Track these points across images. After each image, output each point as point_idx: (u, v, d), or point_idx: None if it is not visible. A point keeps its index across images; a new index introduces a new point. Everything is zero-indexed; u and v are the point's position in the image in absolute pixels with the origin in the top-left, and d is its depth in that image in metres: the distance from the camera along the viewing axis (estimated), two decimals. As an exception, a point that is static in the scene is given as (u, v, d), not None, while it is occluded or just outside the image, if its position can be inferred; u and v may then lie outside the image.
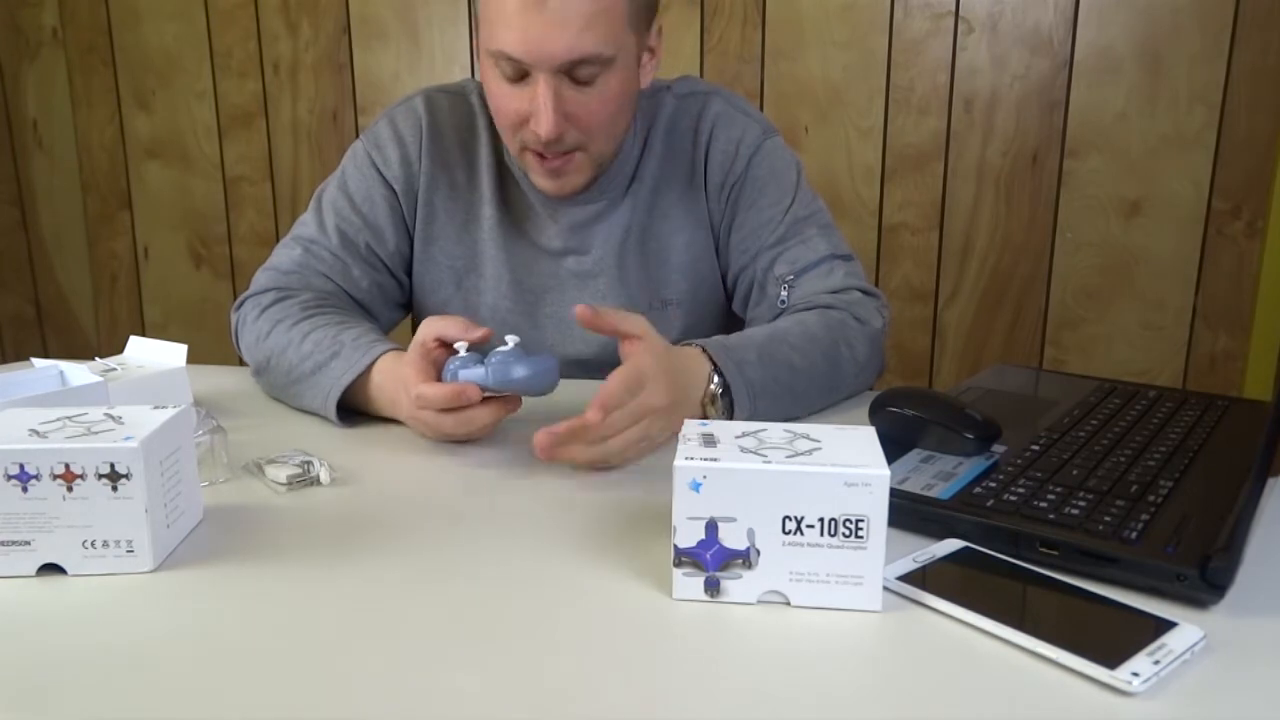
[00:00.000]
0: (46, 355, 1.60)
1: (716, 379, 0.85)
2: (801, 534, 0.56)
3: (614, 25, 0.91)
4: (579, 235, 1.07)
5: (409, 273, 1.10)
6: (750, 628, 0.56)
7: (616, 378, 0.76)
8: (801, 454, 0.58)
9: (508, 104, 0.95)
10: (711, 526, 0.57)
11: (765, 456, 0.57)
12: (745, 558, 0.57)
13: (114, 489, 0.60)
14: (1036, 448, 0.76)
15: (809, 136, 1.88)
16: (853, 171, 1.88)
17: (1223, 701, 0.49)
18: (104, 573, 0.62)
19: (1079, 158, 1.79)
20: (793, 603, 0.58)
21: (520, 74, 0.92)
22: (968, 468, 0.73)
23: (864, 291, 1.03)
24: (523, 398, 0.82)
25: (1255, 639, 0.54)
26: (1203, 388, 1.76)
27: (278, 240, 1.10)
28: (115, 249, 2.28)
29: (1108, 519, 0.63)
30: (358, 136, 1.12)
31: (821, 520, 0.56)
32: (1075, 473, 0.71)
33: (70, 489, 0.60)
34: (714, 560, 0.58)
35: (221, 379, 1.06)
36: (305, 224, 1.08)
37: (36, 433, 0.62)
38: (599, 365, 1.08)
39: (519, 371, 0.77)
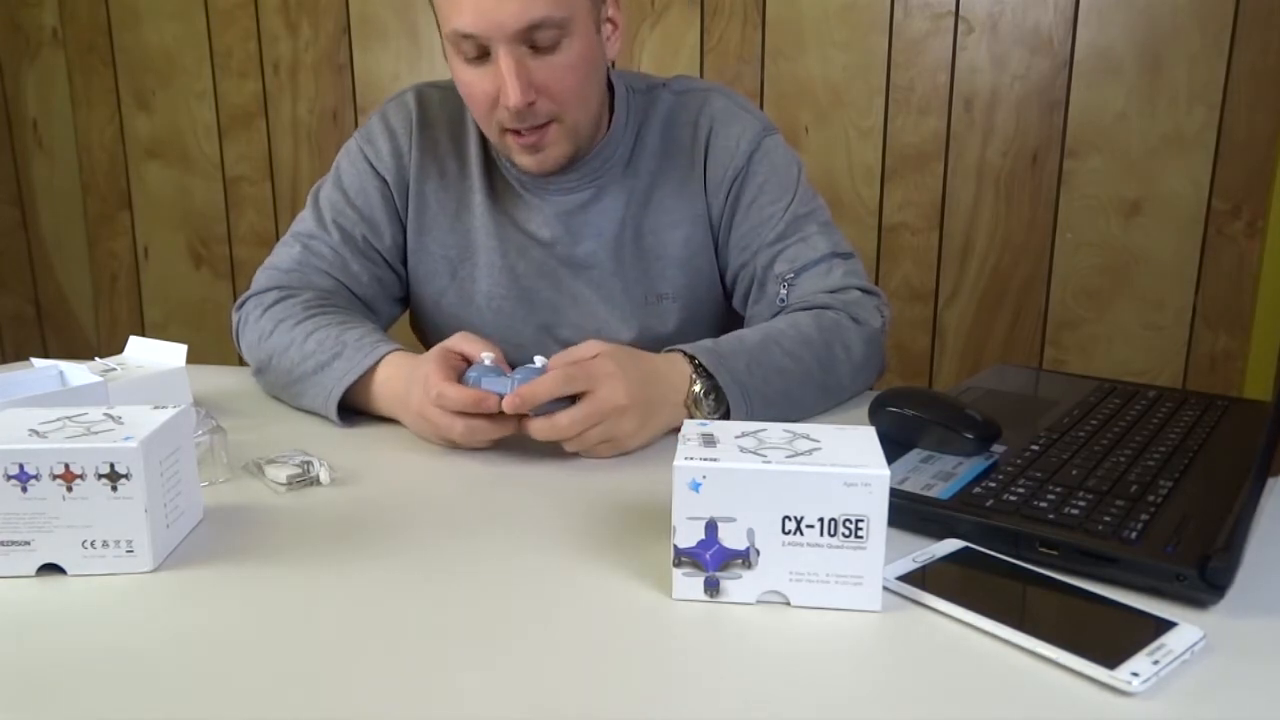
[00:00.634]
0: (46, 355, 1.60)
1: (701, 381, 0.85)
2: (801, 534, 0.56)
3: None
4: (567, 224, 1.06)
5: (405, 264, 1.11)
6: (750, 628, 0.56)
7: (554, 373, 0.78)
8: (801, 454, 0.58)
9: (476, 87, 0.95)
10: (711, 526, 0.57)
11: (765, 456, 0.57)
12: (745, 558, 0.57)
13: (114, 489, 0.60)
14: (1036, 448, 0.76)
15: (809, 136, 1.88)
16: (853, 171, 1.88)
17: (1223, 701, 0.49)
18: (104, 573, 0.62)
19: (1079, 158, 1.79)
20: (792, 603, 0.58)
21: (481, 51, 0.92)
22: (967, 468, 0.73)
23: (863, 290, 1.03)
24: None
25: (1255, 639, 0.54)
26: (1203, 388, 1.76)
27: (278, 240, 1.10)
28: (115, 249, 2.28)
29: (1107, 519, 0.63)
30: (352, 136, 1.12)
31: (821, 520, 0.56)
32: (1075, 473, 0.71)
33: (70, 489, 0.60)
34: (714, 560, 0.58)
35: (221, 379, 1.06)
36: (303, 221, 1.08)
37: (36, 433, 0.62)
38: None
39: None
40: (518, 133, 0.96)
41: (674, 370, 0.86)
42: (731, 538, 0.57)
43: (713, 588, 0.58)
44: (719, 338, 0.91)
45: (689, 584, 0.58)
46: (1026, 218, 1.84)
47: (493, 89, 0.93)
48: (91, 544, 0.61)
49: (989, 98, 1.80)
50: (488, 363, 0.81)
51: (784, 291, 1.02)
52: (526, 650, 0.54)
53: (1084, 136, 1.78)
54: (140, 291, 2.29)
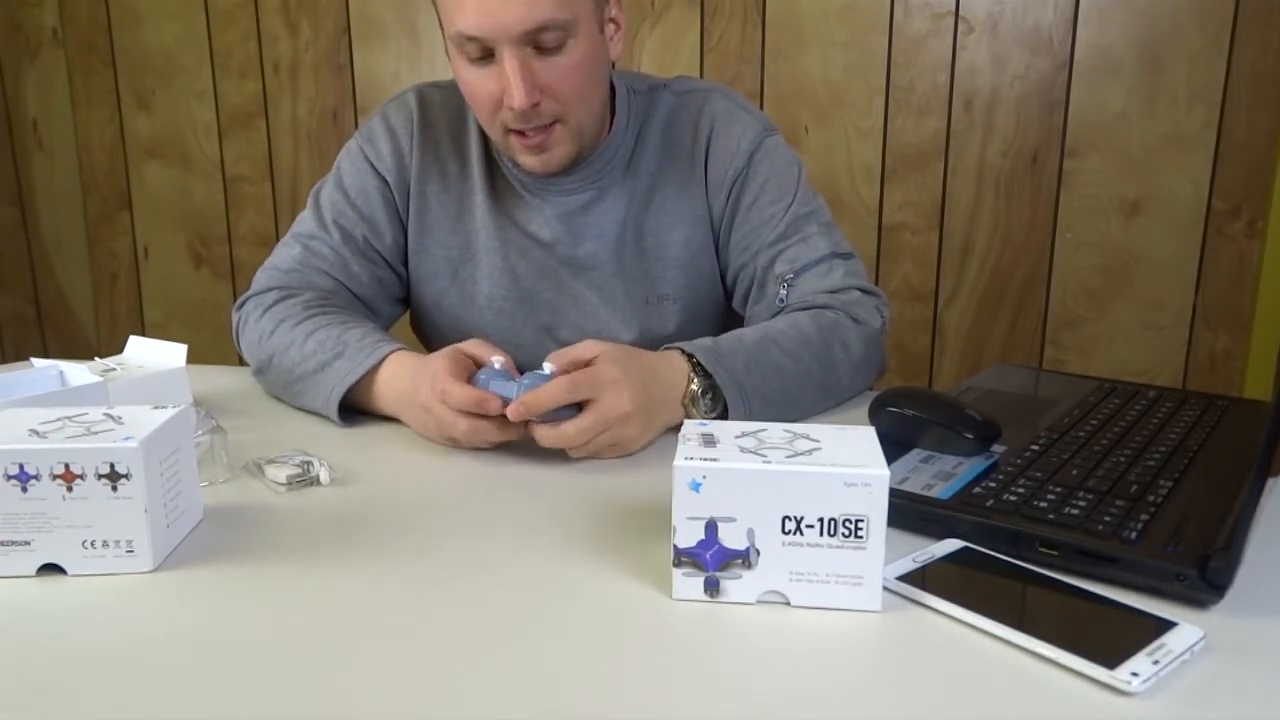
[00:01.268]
0: (46, 355, 1.60)
1: (698, 380, 0.85)
2: (801, 534, 0.56)
3: None
4: (568, 225, 1.06)
5: (406, 265, 1.11)
6: (750, 628, 0.56)
7: (558, 381, 0.78)
8: (801, 454, 0.58)
9: (480, 88, 0.95)
10: (711, 526, 0.57)
11: (765, 456, 0.57)
12: (745, 558, 0.57)
13: (114, 489, 0.60)
14: (1036, 448, 0.76)
15: (809, 136, 1.88)
16: (853, 171, 1.88)
17: (1223, 701, 0.49)
18: (104, 573, 0.62)
19: (1079, 158, 1.79)
20: (792, 603, 0.58)
21: (485, 53, 0.92)
22: (967, 468, 0.73)
23: (863, 290, 1.03)
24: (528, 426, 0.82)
25: (1255, 639, 0.54)
26: (1203, 388, 1.76)
27: (278, 240, 1.10)
28: (115, 249, 2.28)
29: (1107, 519, 0.63)
30: (354, 136, 1.12)
31: (821, 520, 0.56)
32: (1075, 473, 0.71)
33: (70, 489, 0.60)
34: (714, 560, 0.58)
35: (221, 379, 1.06)
36: (304, 221, 1.08)
37: (36, 433, 0.62)
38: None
39: None
40: (522, 133, 0.96)
41: (672, 369, 0.86)
42: (731, 538, 0.57)
43: (713, 588, 0.58)
44: (718, 336, 0.91)
45: (689, 584, 0.58)
46: (1026, 218, 1.84)
47: (497, 90, 0.93)
48: (91, 544, 0.61)
49: (989, 98, 1.80)
50: (497, 366, 0.81)
51: (784, 292, 1.02)
52: (526, 650, 0.54)
53: (1084, 136, 1.78)
54: (140, 291, 2.29)
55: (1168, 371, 1.83)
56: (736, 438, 0.61)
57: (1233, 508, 0.64)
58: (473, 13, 0.89)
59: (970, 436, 0.76)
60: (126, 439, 0.61)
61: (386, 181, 1.08)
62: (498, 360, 0.81)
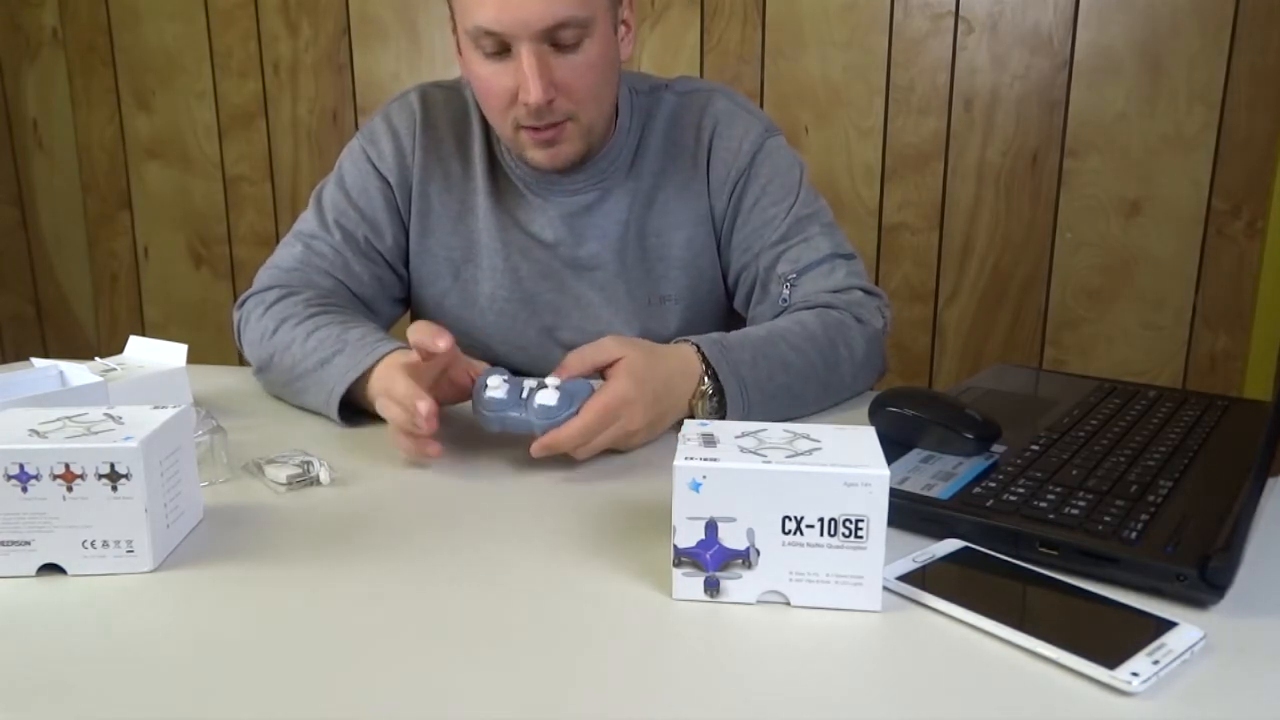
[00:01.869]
0: (46, 355, 1.60)
1: (707, 380, 0.85)
2: (801, 534, 0.56)
3: None
4: (571, 225, 1.06)
5: (407, 265, 1.11)
6: (750, 628, 0.56)
7: (592, 410, 0.77)
8: (801, 454, 0.58)
9: (494, 83, 0.94)
10: (711, 526, 0.57)
11: (765, 456, 0.57)
12: (745, 558, 0.57)
13: (114, 489, 0.60)
14: (1036, 448, 0.76)
15: (809, 136, 1.88)
16: (853, 171, 1.88)
17: (1223, 701, 0.49)
18: (104, 573, 0.62)
19: (1079, 158, 1.79)
20: (792, 603, 0.58)
21: (502, 48, 0.92)
22: (967, 468, 0.73)
23: (866, 291, 1.03)
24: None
25: (1255, 639, 0.54)
26: (1203, 388, 1.76)
27: (278, 240, 1.10)
28: (115, 249, 2.28)
29: (1107, 519, 0.63)
30: (355, 136, 1.12)
31: (821, 520, 0.56)
32: (1075, 473, 0.71)
33: (70, 489, 0.60)
34: (714, 560, 0.58)
35: (221, 379, 1.06)
36: (306, 221, 1.08)
37: (36, 433, 0.62)
38: None
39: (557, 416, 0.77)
40: (533, 129, 0.96)
41: (687, 376, 0.85)
42: (731, 538, 0.57)
43: (713, 588, 0.58)
44: (728, 332, 0.91)
45: (689, 584, 0.58)
46: (1026, 217, 1.84)
47: (511, 85, 0.93)
48: (91, 544, 0.61)
49: (989, 98, 1.80)
50: (501, 394, 0.78)
51: (786, 292, 1.02)
52: (526, 650, 0.54)
53: (1084, 136, 1.78)
54: (140, 291, 2.29)
55: (1168, 371, 1.83)
56: (736, 438, 0.61)
57: (1233, 508, 0.64)
58: (492, 7, 0.89)
59: (970, 436, 0.76)
60: (126, 439, 0.61)
61: (388, 182, 1.08)
62: (494, 379, 0.79)
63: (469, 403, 0.82)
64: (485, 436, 0.84)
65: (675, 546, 0.58)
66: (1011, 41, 1.77)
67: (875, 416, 0.81)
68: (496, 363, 1.11)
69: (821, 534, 0.56)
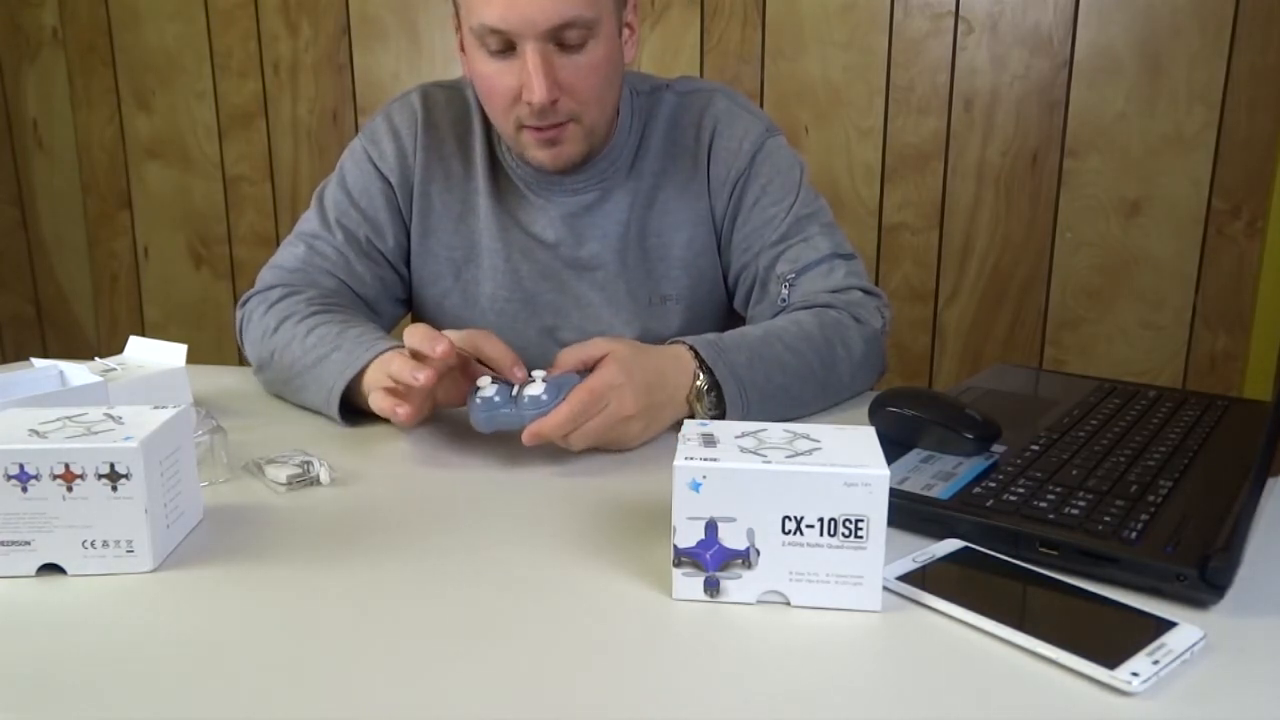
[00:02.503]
0: (46, 355, 1.60)
1: (703, 375, 0.85)
2: (801, 534, 0.56)
3: None
4: (572, 226, 1.07)
5: (409, 265, 1.11)
6: (750, 628, 0.56)
7: (578, 394, 0.78)
8: (801, 454, 0.58)
9: (497, 82, 0.94)
10: (711, 526, 0.57)
11: (765, 456, 0.57)
12: (745, 558, 0.57)
13: (114, 489, 0.60)
14: (1036, 448, 0.76)
15: (809, 136, 1.88)
16: (853, 171, 1.88)
17: (1223, 701, 0.49)
18: (104, 573, 0.62)
19: (1079, 158, 1.79)
20: (792, 603, 0.58)
21: (507, 46, 0.92)
22: (967, 468, 0.73)
23: (865, 291, 1.03)
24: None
25: (1255, 639, 0.54)
26: (1203, 388, 1.76)
27: (278, 240, 1.10)
28: (115, 249, 2.28)
29: (1107, 519, 0.63)
30: (357, 136, 1.12)
31: (821, 520, 0.56)
32: (1075, 473, 0.71)
33: (70, 489, 0.60)
34: (714, 560, 0.58)
35: (221, 379, 1.06)
36: (308, 221, 1.08)
37: (36, 433, 0.62)
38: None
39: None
40: (535, 128, 0.96)
41: (679, 368, 0.86)
42: (731, 538, 0.57)
43: (713, 588, 0.58)
44: (723, 333, 0.91)
45: (689, 584, 0.58)
46: (1026, 217, 1.84)
47: (515, 84, 0.93)
48: (91, 544, 0.61)
49: (989, 98, 1.80)
50: (490, 387, 0.79)
51: (785, 291, 1.02)
52: (526, 650, 0.54)
53: (1084, 136, 1.78)
54: (140, 291, 2.29)
55: (1168, 371, 1.83)
56: (736, 438, 0.61)
57: (1233, 508, 0.64)
58: (499, 5, 0.89)
59: (970, 436, 0.76)
60: (126, 439, 0.61)
61: (389, 182, 1.08)
62: (484, 381, 0.80)
63: (466, 417, 0.82)
64: (485, 437, 0.84)
65: (675, 546, 0.58)
66: (1011, 41, 1.77)
67: (875, 416, 0.81)
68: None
69: (821, 534, 0.56)
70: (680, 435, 0.61)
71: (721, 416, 0.86)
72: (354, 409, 0.91)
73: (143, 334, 2.22)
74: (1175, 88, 1.72)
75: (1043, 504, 0.65)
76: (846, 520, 0.56)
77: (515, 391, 0.79)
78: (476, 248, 1.09)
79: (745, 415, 0.86)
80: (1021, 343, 1.89)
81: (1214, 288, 1.78)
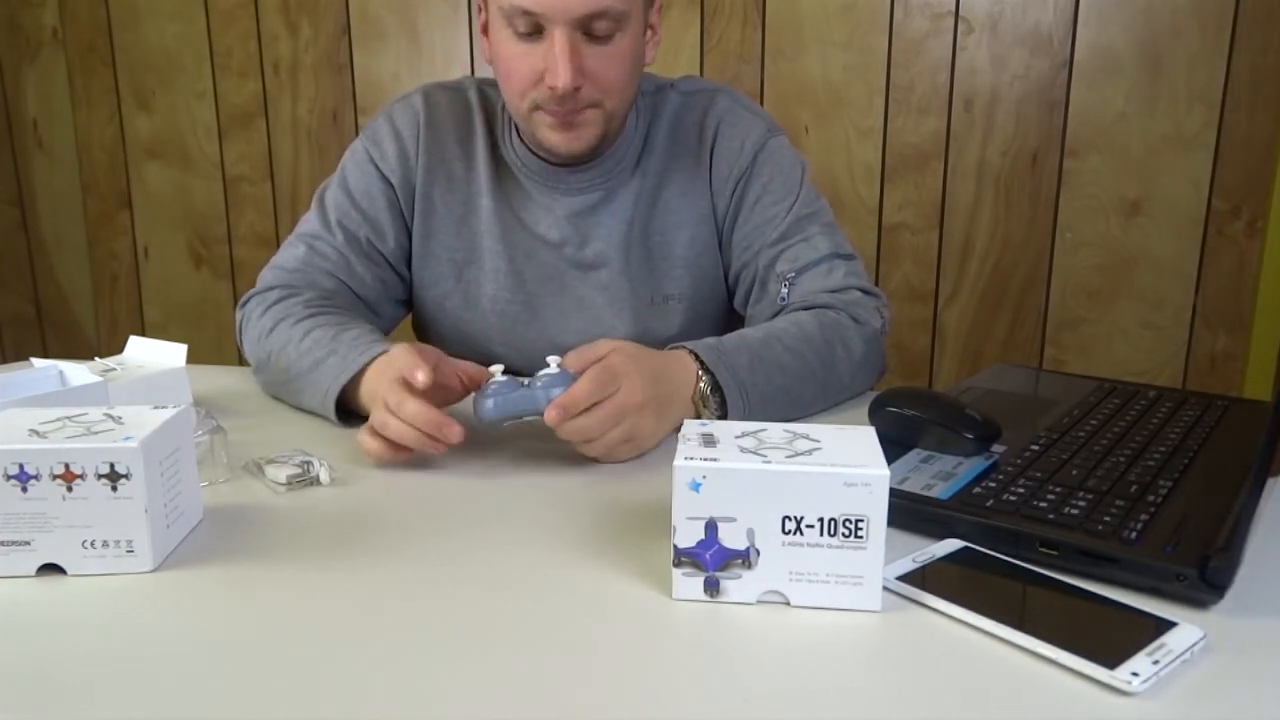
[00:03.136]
0: (46, 355, 1.60)
1: (705, 377, 0.85)
2: (801, 534, 0.56)
3: None
4: (577, 225, 1.07)
5: (409, 267, 1.11)
6: (750, 628, 0.56)
7: (586, 377, 0.77)
8: (801, 454, 0.58)
9: (520, 63, 0.94)
10: (711, 526, 0.57)
11: (765, 456, 0.57)
12: (745, 558, 0.57)
13: (114, 489, 0.60)
14: (1036, 448, 0.76)
15: (809, 136, 1.88)
16: (853, 171, 1.88)
17: (1223, 701, 0.49)
18: (104, 573, 0.62)
19: (1079, 157, 1.79)
20: (792, 603, 0.58)
21: (535, 29, 0.92)
22: (967, 468, 0.73)
23: (864, 291, 1.03)
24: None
25: (1255, 639, 0.54)
26: (1203, 388, 1.76)
27: (278, 240, 1.10)
28: (115, 249, 2.28)
29: (1107, 519, 0.63)
30: (358, 136, 1.12)
31: (821, 520, 0.56)
32: (1075, 473, 0.71)
33: (70, 489, 0.60)
34: (714, 560, 0.58)
35: (221, 379, 1.06)
36: (308, 222, 1.08)
37: (36, 433, 0.62)
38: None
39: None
40: (553, 111, 0.96)
41: (680, 366, 0.86)
42: (731, 538, 0.57)
43: (713, 588, 0.58)
44: (722, 336, 0.91)
45: (689, 584, 0.58)
46: (1026, 217, 1.84)
47: (539, 67, 0.93)
48: (91, 544, 0.61)
49: (989, 98, 1.80)
50: (500, 377, 0.80)
51: (785, 290, 1.03)
52: (526, 650, 0.54)
53: (1084, 136, 1.78)
54: (140, 291, 2.29)
55: (1168, 371, 1.83)
56: (736, 438, 0.61)
57: (1233, 508, 0.64)
58: None
59: (970, 436, 0.76)
60: (126, 439, 0.61)
61: (391, 183, 1.08)
62: (498, 369, 0.80)
63: (468, 407, 0.82)
64: (485, 438, 0.85)
65: (675, 546, 0.58)
66: (1011, 41, 1.77)
67: (875, 416, 0.81)
68: (495, 364, 1.11)
69: (821, 534, 0.56)
70: (680, 435, 0.61)
71: (724, 419, 0.86)
72: (351, 410, 0.91)
73: (143, 334, 2.22)
74: (1175, 88, 1.72)
75: (1043, 504, 0.65)
76: (846, 520, 0.56)
77: (526, 382, 0.79)
78: (478, 249, 1.09)
79: (746, 417, 0.86)
80: (1021, 343, 1.89)
81: (1214, 288, 1.78)
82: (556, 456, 0.81)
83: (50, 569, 0.62)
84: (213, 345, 2.22)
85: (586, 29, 0.92)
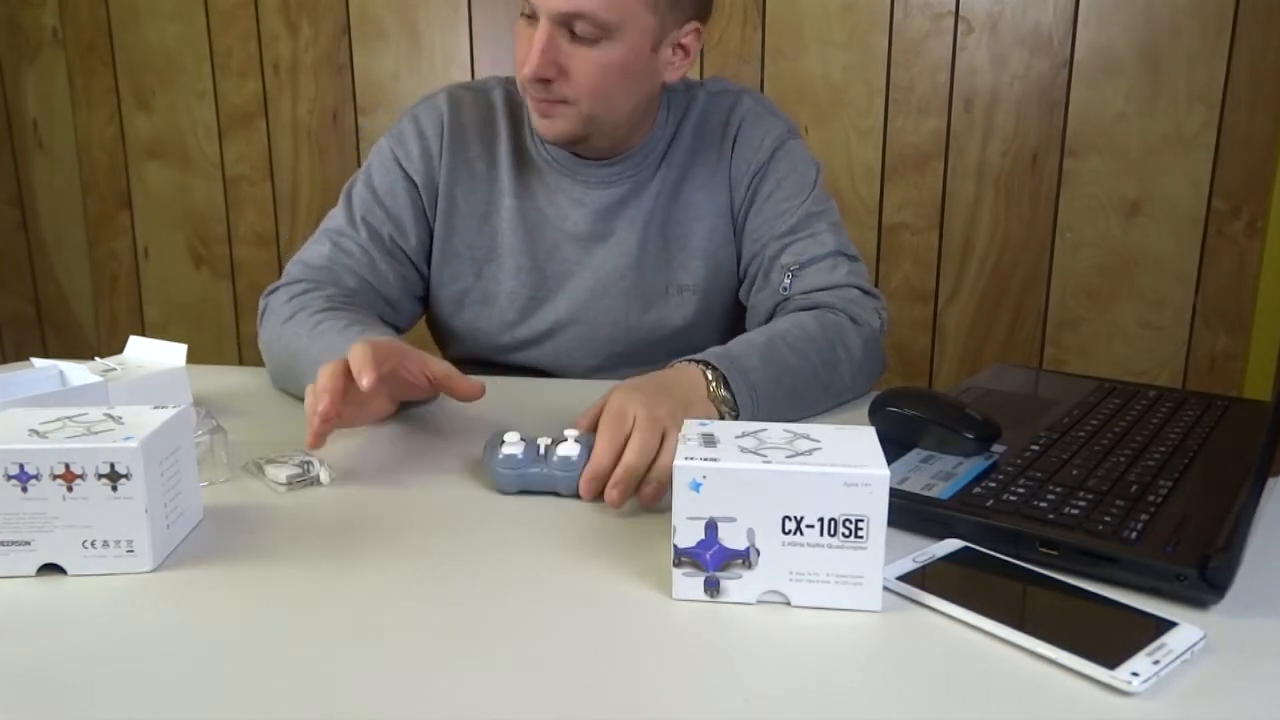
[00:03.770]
0: (46, 355, 1.60)
1: (710, 373, 0.85)
2: (801, 534, 0.56)
3: None
4: (602, 218, 1.09)
5: (429, 264, 1.12)
6: (750, 628, 0.56)
7: (599, 432, 0.74)
8: (801, 454, 0.58)
9: (522, 44, 0.99)
10: (711, 526, 0.57)
11: (765, 456, 0.57)
12: (745, 558, 0.57)
13: (114, 489, 0.60)
14: (1036, 448, 0.76)
15: (809, 136, 1.88)
16: (853, 171, 1.88)
17: (1223, 701, 0.49)
18: (104, 573, 0.62)
19: (1079, 157, 1.79)
20: (792, 603, 0.58)
21: (533, 14, 0.96)
22: (967, 468, 0.73)
23: (864, 291, 1.04)
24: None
25: (1255, 639, 0.54)
26: (1203, 388, 1.76)
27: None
28: (115, 249, 2.28)
29: (1107, 519, 0.63)
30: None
31: (821, 520, 0.56)
32: (1075, 473, 0.71)
33: (70, 489, 0.60)
34: (714, 560, 0.58)
35: (221, 379, 1.06)
36: (334, 218, 1.10)
37: (36, 433, 0.62)
38: (609, 351, 1.11)
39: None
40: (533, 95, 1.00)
41: (683, 374, 0.85)
42: (731, 538, 0.57)
43: (713, 588, 0.58)
44: (727, 344, 0.91)
45: (689, 584, 0.58)
46: (1026, 217, 1.84)
47: (528, 50, 0.97)
48: (91, 544, 0.61)
49: (989, 98, 1.80)
50: (517, 453, 0.74)
51: (787, 281, 1.05)
52: (526, 650, 0.54)
53: (1084, 136, 1.78)
54: (140, 291, 2.29)
55: (1168, 371, 1.83)
56: (736, 438, 0.61)
57: (1233, 508, 0.64)
58: None
59: (970, 436, 0.76)
60: (126, 439, 0.61)
61: (414, 182, 1.10)
62: (509, 436, 0.76)
63: (467, 416, 0.81)
64: (485, 439, 0.84)
65: (675, 546, 0.58)
66: (1011, 41, 1.77)
67: (875, 416, 0.81)
68: (506, 356, 1.12)
69: (821, 534, 0.56)
70: (680, 435, 0.61)
71: (738, 419, 0.86)
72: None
73: (143, 334, 2.22)
74: (1175, 88, 1.72)
75: (1043, 504, 0.65)
76: (846, 520, 0.56)
77: (542, 451, 0.75)
78: (498, 247, 1.11)
79: (754, 418, 0.85)
80: (1021, 343, 1.89)
81: (1214, 288, 1.78)
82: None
83: (50, 569, 0.62)
84: (213, 345, 2.22)
85: (569, 27, 0.95)
